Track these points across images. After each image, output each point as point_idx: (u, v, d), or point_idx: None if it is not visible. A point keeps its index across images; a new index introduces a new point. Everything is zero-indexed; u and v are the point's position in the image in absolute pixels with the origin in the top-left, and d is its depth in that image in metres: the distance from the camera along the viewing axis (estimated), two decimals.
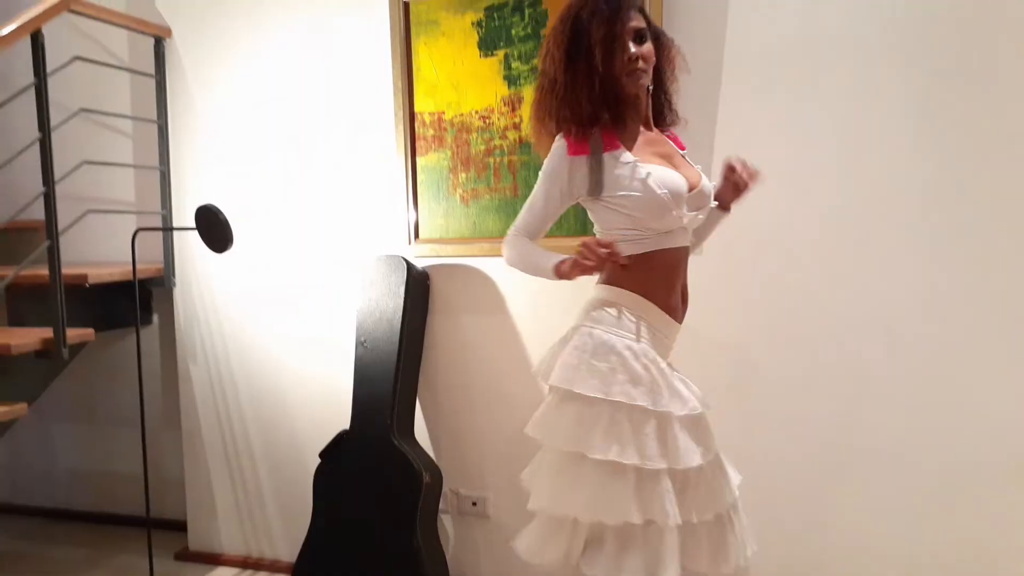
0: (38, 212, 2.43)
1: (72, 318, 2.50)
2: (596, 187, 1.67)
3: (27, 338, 2.42)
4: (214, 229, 2.45)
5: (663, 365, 1.67)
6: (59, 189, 2.46)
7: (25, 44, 2.36)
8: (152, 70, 2.85)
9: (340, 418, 2.59)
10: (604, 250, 1.53)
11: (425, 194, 2.56)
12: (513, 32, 2.40)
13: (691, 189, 1.69)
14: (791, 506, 2.27)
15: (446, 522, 2.65)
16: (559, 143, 1.69)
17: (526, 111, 2.36)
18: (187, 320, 2.94)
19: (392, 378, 2.45)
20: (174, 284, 2.94)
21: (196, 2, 2.79)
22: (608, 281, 1.73)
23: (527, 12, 2.38)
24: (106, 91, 3.02)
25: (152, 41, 2.83)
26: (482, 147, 2.48)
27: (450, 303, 2.58)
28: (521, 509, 1.75)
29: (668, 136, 1.81)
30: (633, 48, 1.63)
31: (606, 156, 1.66)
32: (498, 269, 2.50)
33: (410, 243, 2.58)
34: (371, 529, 2.45)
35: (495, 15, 2.42)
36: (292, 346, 2.78)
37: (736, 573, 1.73)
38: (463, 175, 2.51)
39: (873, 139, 2.13)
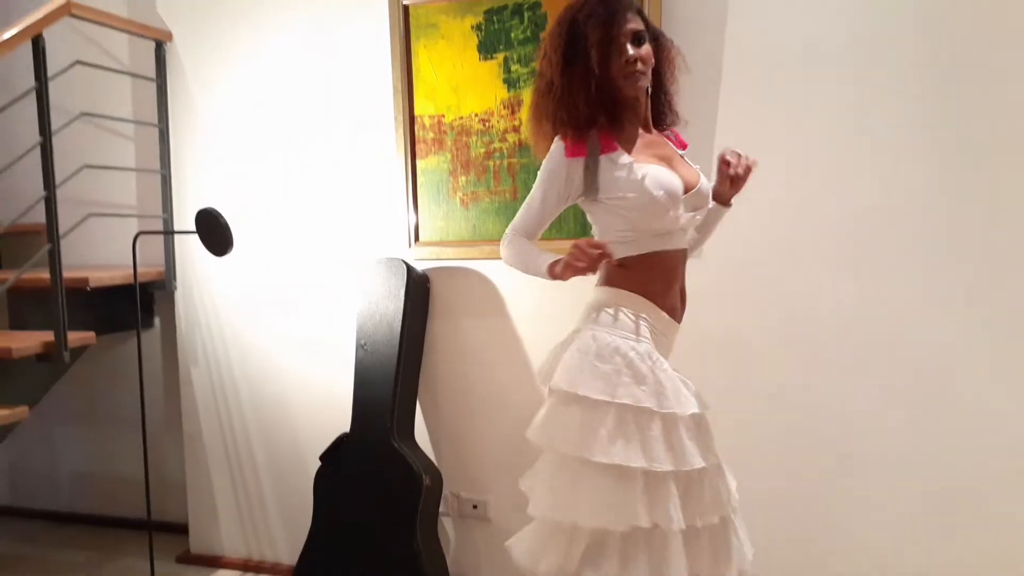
0: (39, 216, 2.44)
1: (73, 321, 2.50)
2: (592, 189, 1.66)
3: (28, 341, 2.43)
4: (214, 232, 2.45)
5: (666, 366, 1.66)
6: (60, 193, 2.47)
7: (26, 48, 2.37)
8: (153, 74, 2.86)
9: (340, 421, 2.59)
10: (595, 251, 1.52)
11: (425, 197, 2.56)
12: (512, 35, 2.40)
13: (688, 190, 1.68)
14: (791, 509, 2.27)
15: (447, 525, 2.65)
16: (557, 144, 1.69)
17: (525, 114, 2.35)
18: (188, 323, 2.94)
19: (392, 381, 2.45)
20: (175, 287, 2.94)
21: (197, 5, 2.80)
22: (607, 283, 1.72)
23: (526, 15, 2.38)
24: (107, 95, 3.03)
25: (153, 45, 2.84)
26: (482, 150, 2.48)
27: (450, 306, 2.58)
28: (522, 512, 1.74)
29: (668, 135, 1.80)
30: (631, 50, 1.63)
31: (603, 158, 1.65)
32: (498, 272, 2.50)
33: (410, 246, 2.59)
34: (371, 532, 2.45)
35: (494, 18, 2.42)
36: (293, 349, 2.79)
37: None
38: (463, 178, 2.51)
39: (873, 139, 2.13)
